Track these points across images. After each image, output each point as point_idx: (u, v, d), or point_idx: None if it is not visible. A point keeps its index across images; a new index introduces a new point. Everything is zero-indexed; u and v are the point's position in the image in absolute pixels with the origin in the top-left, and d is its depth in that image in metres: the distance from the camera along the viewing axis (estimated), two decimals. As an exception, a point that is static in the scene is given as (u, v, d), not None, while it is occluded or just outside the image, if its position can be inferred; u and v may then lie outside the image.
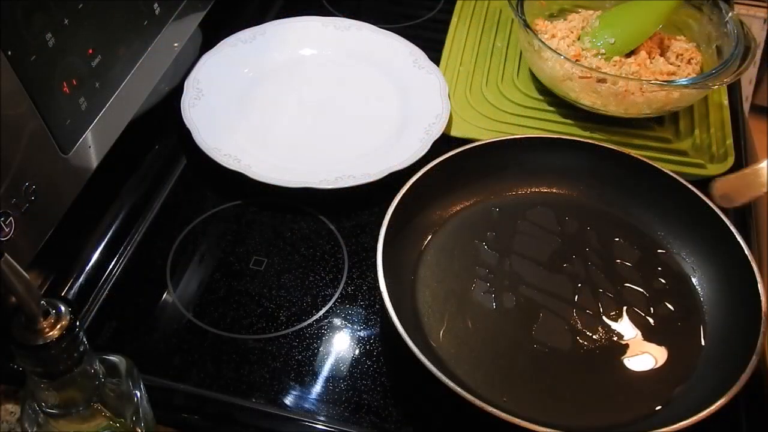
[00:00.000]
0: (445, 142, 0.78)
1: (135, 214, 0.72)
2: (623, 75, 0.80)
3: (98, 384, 0.44)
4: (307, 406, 0.60)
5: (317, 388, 0.61)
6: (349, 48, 0.90)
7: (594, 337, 0.64)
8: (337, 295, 0.67)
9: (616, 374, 0.62)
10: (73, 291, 0.66)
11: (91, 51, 0.63)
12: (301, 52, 0.89)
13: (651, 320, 0.65)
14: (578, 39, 0.85)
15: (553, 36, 0.85)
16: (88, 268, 0.67)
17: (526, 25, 0.81)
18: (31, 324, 0.39)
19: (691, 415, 0.54)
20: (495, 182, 0.74)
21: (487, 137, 0.75)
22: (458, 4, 0.98)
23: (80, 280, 0.67)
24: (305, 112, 0.83)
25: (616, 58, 0.82)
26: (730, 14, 0.82)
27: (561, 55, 0.78)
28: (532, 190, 0.75)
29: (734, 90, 0.88)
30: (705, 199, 0.69)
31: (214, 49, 0.86)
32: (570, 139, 0.75)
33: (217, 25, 0.88)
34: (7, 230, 0.55)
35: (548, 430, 0.53)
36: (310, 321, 0.65)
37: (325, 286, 0.68)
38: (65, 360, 0.40)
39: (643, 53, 0.82)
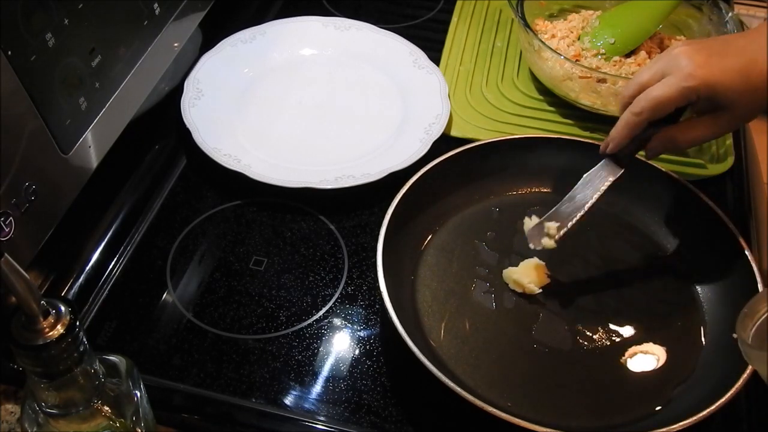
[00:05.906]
0: (445, 142, 0.78)
1: (135, 214, 0.72)
2: (623, 75, 0.80)
3: (98, 384, 0.44)
4: (307, 406, 0.60)
5: (317, 388, 0.61)
6: (349, 48, 0.90)
7: (594, 337, 0.64)
8: (337, 295, 0.67)
9: (616, 374, 0.62)
10: (73, 291, 0.66)
11: (91, 51, 0.63)
12: (301, 52, 0.89)
13: (651, 320, 0.65)
14: (578, 39, 0.85)
15: (553, 36, 0.85)
16: (88, 268, 0.67)
17: (526, 25, 0.81)
18: (31, 324, 0.39)
19: (691, 415, 0.54)
20: (495, 182, 0.74)
21: (487, 137, 0.75)
22: (458, 4, 0.98)
23: (80, 280, 0.67)
24: (305, 112, 0.83)
25: (616, 58, 0.82)
26: (730, 14, 0.82)
27: (561, 55, 0.78)
28: (532, 190, 0.75)
29: (734, 90, 0.88)
30: (705, 199, 0.69)
31: (214, 49, 0.86)
32: (570, 139, 0.75)
33: (217, 25, 0.88)
34: (7, 230, 0.55)
35: (548, 430, 0.53)
36: (310, 321, 0.65)
37: (325, 286, 0.68)
38: (65, 360, 0.40)
39: (643, 53, 0.82)
